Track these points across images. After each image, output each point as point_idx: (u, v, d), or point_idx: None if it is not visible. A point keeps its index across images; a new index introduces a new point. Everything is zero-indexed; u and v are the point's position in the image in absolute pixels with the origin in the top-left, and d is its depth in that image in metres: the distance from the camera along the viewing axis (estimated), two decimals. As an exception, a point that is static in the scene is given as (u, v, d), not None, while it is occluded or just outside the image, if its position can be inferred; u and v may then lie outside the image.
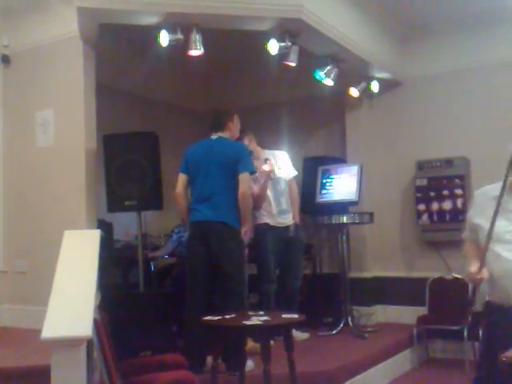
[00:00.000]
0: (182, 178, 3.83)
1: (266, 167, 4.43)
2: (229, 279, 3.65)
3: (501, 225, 2.31)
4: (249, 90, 6.20)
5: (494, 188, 2.37)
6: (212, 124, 3.90)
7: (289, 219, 4.68)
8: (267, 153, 4.68)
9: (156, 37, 3.96)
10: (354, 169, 5.17)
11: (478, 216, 2.47)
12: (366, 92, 5.53)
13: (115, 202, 4.36)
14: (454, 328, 4.76)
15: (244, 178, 3.70)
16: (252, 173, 3.85)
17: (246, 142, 4.43)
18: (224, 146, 3.81)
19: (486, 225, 2.32)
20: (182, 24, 3.96)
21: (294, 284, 4.68)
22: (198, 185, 3.76)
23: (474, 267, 2.33)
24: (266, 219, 4.54)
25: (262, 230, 4.52)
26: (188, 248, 3.86)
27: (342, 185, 5.19)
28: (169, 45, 3.99)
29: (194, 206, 3.76)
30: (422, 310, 5.13)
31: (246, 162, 3.75)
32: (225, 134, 3.87)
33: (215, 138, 3.85)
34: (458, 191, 5.20)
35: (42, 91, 4.58)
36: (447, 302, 5.04)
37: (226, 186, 3.69)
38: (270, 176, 4.47)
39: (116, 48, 4.96)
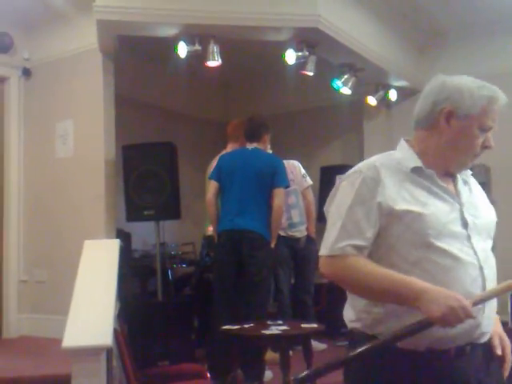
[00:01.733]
0: (213, 185, 3.81)
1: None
2: (255, 288, 3.66)
3: (442, 211, 1.50)
4: (266, 99, 6.22)
5: (403, 159, 1.61)
6: (248, 134, 3.89)
7: (300, 232, 4.60)
8: None
9: (174, 48, 4.01)
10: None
11: (399, 201, 1.49)
12: (383, 100, 5.51)
13: (134, 212, 4.39)
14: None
15: (280, 192, 3.73)
16: (286, 187, 3.85)
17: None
18: (261, 158, 3.82)
19: (423, 211, 1.47)
20: (199, 35, 3.99)
21: (304, 297, 4.58)
22: (232, 194, 3.74)
23: (457, 297, 1.38)
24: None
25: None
26: (217, 256, 3.83)
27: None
28: (187, 56, 4.02)
29: (225, 215, 3.75)
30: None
31: (282, 177, 3.78)
32: (260, 146, 3.88)
33: (251, 148, 3.86)
34: (478, 199, 5.14)
35: (62, 103, 4.65)
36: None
37: (260, 197, 3.71)
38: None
39: (134, 59, 5.03)
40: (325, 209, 1.67)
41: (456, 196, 1.59)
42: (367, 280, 1.48)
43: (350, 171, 1.65)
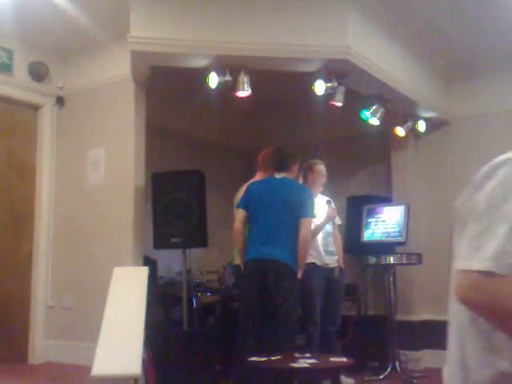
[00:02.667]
0: (241, 214, 3.81)
1: (331, 207, 4.41)
2: (282, 318, 3.61)
3: None
4: (294, 130, 6.24)
5: None
6: (277, 164, 3.92)
7: (334, 261, 4.60)
8: (320, 197, 4.63)
9: (205, 78, 4.07)
10: (401, 208, 5.09)
11: None
12: (412, 131, 5.49)
13: (161, 239, 4.40)
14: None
15: (307, 222, 3.73)
16: (313, 218, 3.84)
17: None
18: (290, 188, 3.84)
19: None
20: (230, 66, 4.05)
21: (330, 328, 4.50)
22: (259, 222, 3.73)
23: None
24: (312, 259, 4.48)
25: (309, 270, 4.44)
26: (243, 285, 3.81)
27: (388, 224, 5.11)
28: (217, 86, 4.08)
29: (252, 244, 3.73)
30: (473, 356, 4.91)
31: (309, 207, 3.78)
32: (288, 175, 3.90)
33: (279, 177, 3.87)
34: (510, 232, 5.03)
35: (94, 131, 4.74)
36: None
37: (287, 227, 3.70)
38: (332, 217, 4.44)
39: (165, 89, 5.11)
40: (458, 204, 1.24)
41: None
42: None
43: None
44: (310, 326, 4.39)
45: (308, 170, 4.44)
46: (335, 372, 3.09)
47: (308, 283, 4.40)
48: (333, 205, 4.49)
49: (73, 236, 4.76)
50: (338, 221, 4.71)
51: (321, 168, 4.52)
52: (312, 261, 4.47)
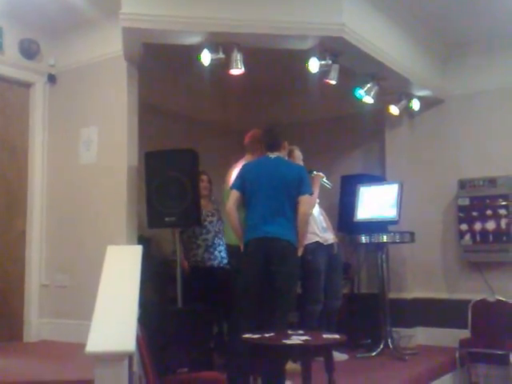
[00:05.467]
0: (235, 195, 3.80)
1: (315, 174, 4.44)
2: (282, 296, 3.63)
3: None
4: (288, 108, 6.22)
5: None
6: (269, 143, 3.89)
7: (332, 237, 4.67)
8: None
9: (197, 56, 4.03)
10: (394, 187, 5.10)
11: None
12: (406, 110, 5.48)
13: (155, 218, 4.40)
14: (499, 352, 4.61)
15: (306, 199, 3.73)
16: (311, 195, 3.86)
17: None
18: (286, 167, 3.84)
19: None
20: (223, 43, 4.01)
21: (335, 304, 4.62)
22: (259, 202, 3.72)
23: None
24: (315, 238, 4.51)
25: (313, 249, 4.46)
26: (244, 264, 3.78)
27: (381, 203, 5.12)
28: (210, 64, 4.04)
29: (254, 224, 3.72)
30: (464, 333, 4.98)
31: (307, 184, 3.79)
32: (281, 154, 3.90)
33: (274, 157, 3.86)
34: (502, 211, 5.07)
35: (86, 109, 4.71)
36: (491, 325, 4.89)
37: (287, 206, 3.70)
38: (321, 177, 4.49)
39: (158, 67, 5.06)
40: None
41: None
42: None
43: None
44: (314, 304, 4.43)
45: (289, 156, 4.41)
46: (328, 349, 3.12)
47: (314, 262, 4.44)
48: (315, 172, 4.49)
49: (66, 215, 4.75)
50: (328, 184, 4.71)
51: (299, 154, 4.53)
52: (316, 239, 4.51)
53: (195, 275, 4.79)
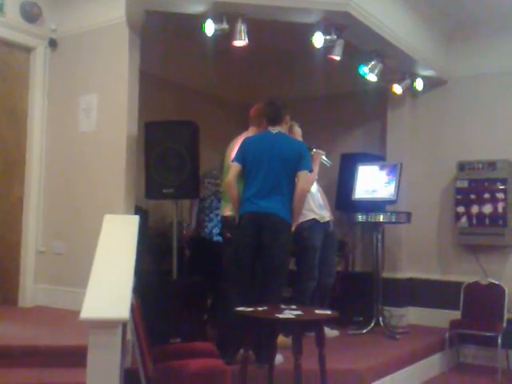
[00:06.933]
0: (235, 168, 3.81)
1: (315, 152, 4.40)
2: (274, 271, 3.66)
3: None
4: (290, 83, 6.16)
5: None
6: (271, 117, 3.87)
7: (328, 214, 4.68)
8: None
9: (201, 26, 3.97)
10: (394, 167, 5.09)
11: None
12: (409, 89, 5.44)
13: (153, 189, 4.39)
14: (488, 334, 4.67)
15: (304, 175, 3.73)
16: (310, 171, 3.85)
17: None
18: (287, 143, 3.83)
19: None
20: (227, 14, 3.96)
21: (328, 281, 4.67)
22: (257, 177, 3.73)
23: None
24: (312, 215, 4.52)
25: (310, 226, 4.47)
26: (237, 236, 3.82)
27: (380, 183, 5.12)
28: (214, 34, 3.99)
29: (249, 198, 3.73)
30: (455, 314, 5.03)
31: (306, 161, 3.79)
32: (282, 128, 3.88)
33: (275, 132, 3.84)
34: (500, 195, 5.08)
35: (86, 76, 4.65)
36: (482, 308, 4.94)
37: (285, 182, 3.71)
38: (321, 154, 4.44)
39: (160, 36, 4.99)
40: None
41: None
42: None
43: None
44: (308, 281, 4.46)
45: (289, 131, 4.38)
46: (319, 324, 3.15)
47: (311, 239, 4.46)
48: (315, 149, 4.45)
49: (64, 182, 4.74)
50: (328, 162, 4.67)
51: (299, 130, 4.49)
52: (312, 216, 4.52)
53: (198, 246, 4.83)
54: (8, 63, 4.76)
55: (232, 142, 4.20)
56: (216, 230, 4.91)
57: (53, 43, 4.87)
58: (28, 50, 4.83)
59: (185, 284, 4.51)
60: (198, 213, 5.10)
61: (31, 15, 4.73)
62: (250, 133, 4.13)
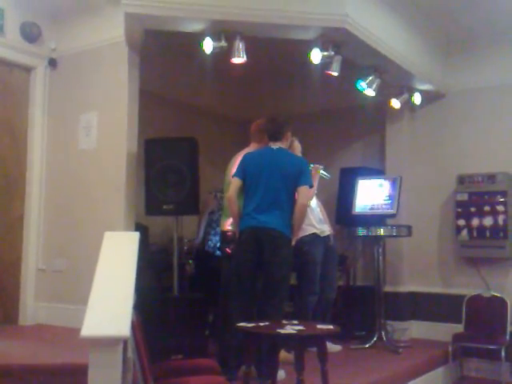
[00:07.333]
0: (236, 183, 3.82)
1: (313, 166, 4.40)
2: (275, 286, 3.66)
3: None
4: (289, 99, 6.20)
5: None
6: (272, 133, 3.89)
7: (328, 228, 4.69)
8: None
9: (200, 44, 4.01)
10: (394, 180, 5.11)
11: None
12: (407, 104, 5.47)
13: (153, 206, 4.40)
14: (491, 347, 4.65)
15: (304, 191, 3.74)
16: (310, 187, 3.87)
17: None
18: (287, 158, 3.85)
19: None
20: (226, 32, 4.00)
21: (330, 295, 4.65)
22: (257, 192, 3.74)
23: None
24: (312, 229, 4.52)
25: (311, 241, 4.47)
26: (237, 252, 3.81)
27: (379, 197, 5.13)
28: (212, 52, 4.03)
29: (249, 213, 3.74)
30: (458, 328, 5.01)
31: (307, 176, 3.80)
32: (283, 144, 3.91)
33: (276, 148, 3.86)
34: (500, 208, 5.09)
35: (86, 94, 4.68)
36: (484, 321, 4.92)
37: (285, 197, 3.73)
38: (318, 168, 4.46)
39: (160, 54, 5.04)
40: None
41: None
42: None
43: None
44: (310, 295, 4.45)
45: (289, 147, 4.40)
46: (322, 339, 3.13)
47: (311, 253, 4.46)
48: (312, 165, 4.43)
49: (64, 200, 4.75)
50: (326, 175, 4.68)
51: (298, 145, 4.51)
52: (313, 231, 4.52)
53: (201, 260, 4.84)
54: (8, 83, 4.80)
55: (233, 158, 4.22)
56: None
57: (53, 62, 4.91)
58: (28, 69, 4.88)
59: (186, 300, 4.50)
60: (206, 226, 5.13)
61: (31, 35, 4.78)
62: (251, 148, 4.15)
